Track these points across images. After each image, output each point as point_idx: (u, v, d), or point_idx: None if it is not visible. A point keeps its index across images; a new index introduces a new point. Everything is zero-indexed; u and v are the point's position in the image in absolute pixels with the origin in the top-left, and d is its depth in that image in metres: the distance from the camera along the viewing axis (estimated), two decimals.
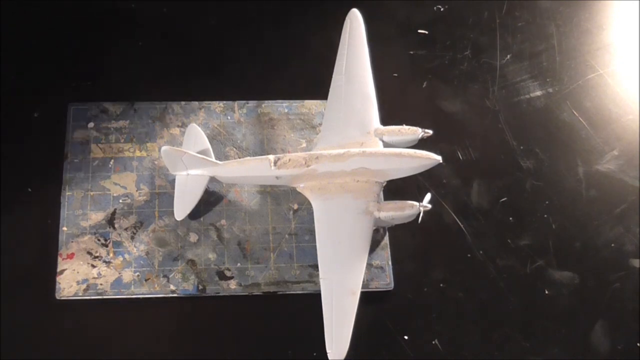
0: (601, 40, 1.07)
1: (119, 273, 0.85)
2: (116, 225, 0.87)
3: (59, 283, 0.83)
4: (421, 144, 0.86)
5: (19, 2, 1.01)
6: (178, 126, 0.94)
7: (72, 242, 0.86)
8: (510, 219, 0.92)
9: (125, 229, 0.87)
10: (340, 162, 0.84)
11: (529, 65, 1.04)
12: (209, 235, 0.88)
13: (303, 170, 0.84)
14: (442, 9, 1.07)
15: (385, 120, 0.88)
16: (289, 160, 0.85)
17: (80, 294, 0.83)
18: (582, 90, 1.02)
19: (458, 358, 0.84)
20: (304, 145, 0.94)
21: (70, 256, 0.85)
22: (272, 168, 0.84)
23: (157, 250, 0.86)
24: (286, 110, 0.96)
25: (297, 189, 0.86)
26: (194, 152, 0.86)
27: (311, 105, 0.97)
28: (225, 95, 0.97)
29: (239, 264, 0.86)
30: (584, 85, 1.03)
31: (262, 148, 0.94)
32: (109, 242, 0.86)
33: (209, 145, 0.88)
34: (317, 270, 0.81)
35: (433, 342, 0.84)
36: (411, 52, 1.04)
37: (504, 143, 0.97)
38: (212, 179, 0.87)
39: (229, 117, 0.95)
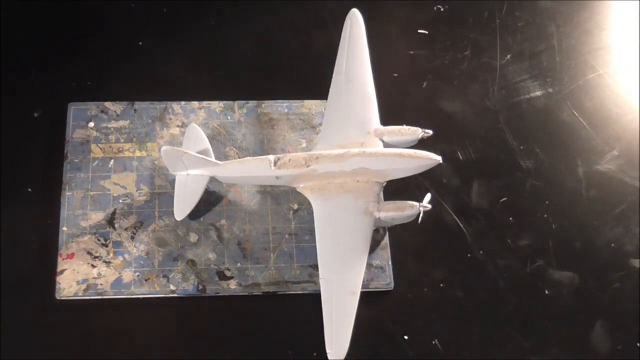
0: (601, 40, 1.07)
1: (119, 273, 0.85)
2: (116, 225, 0.87)
3: (59, 283, 0.83)
4: (421, 144, 0.86)
5: (19, 2, 1.01)
6: (178, 126, 0.94)
7: (72, 242, 0.86)
8: (510, 219, 0.92)
9: (125, 229, 0.87)
10: (340, 162, 0.84)
11: (529, 65, 1.04)
12: (209, 235, 0.88)
13: (303, 170, 0.84)
14: (442, 9, 1.07)
15: (385, 120, 0.88)
16: (289, 160, 0.85)
17: (80, 294, 0.83)
18: (582, 90, 1.02)
19: (458, 358, 0.84)
20: (304, 145, 0.94)
21: (70, 256, 0.85)
22: (272, 168, 0.84)
23: (157, 250, 0.86)
24: (286, 110, 0.96)
25: (297, 189, 0.86)
26: (194, 152, 0.86)
27: (311, 105, 0.97)
28: (225, 95, 0.97)
29: (239, 264, 0.86)
30: (584, 85, 1.03)
31: (262, 148, 0.94)
32: (109, 242, 0.86)
33: (209, 145, 0.88)
34: (317, 270, 0.81)
35: (433, 342, 0.84)
36: (411, 52, 1.04)
37: (504, 143, 0.97)
38: (212, 179, 0.87)
39: (229, 117, 0.95)
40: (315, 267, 0.84)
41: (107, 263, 0.85)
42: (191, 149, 0.87)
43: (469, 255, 0.90)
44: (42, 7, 1.02)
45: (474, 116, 0.99)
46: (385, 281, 0.87)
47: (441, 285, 0.88)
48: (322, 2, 1.06)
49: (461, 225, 0.91)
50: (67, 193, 0.88)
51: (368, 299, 0.82)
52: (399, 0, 1.08)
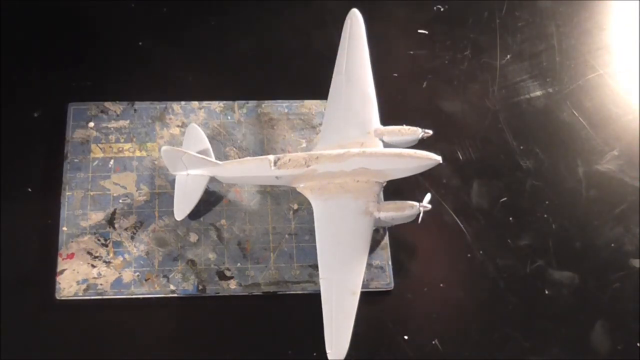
0: (601, 40, 1.07)
1: (119, 273, 0.85)
2: (116, 225, 0.87)
3: (59, 283, 0.83)
4: (421, 144, 0.86)
5: (19, 2, 1.01)
6: (178, 126, 0.94)
7: (72, 242, 0.86)
8: (510, 219, 0.92)
9: (125, 229, 0.87)
10: (340, 162, 0.84)
11: (529, 65, 1.04)
12: (209, 235, 0.88)
13: (303, 170, 0.84)
14: (442, 9, 1.07)
15: (385, 120, 0.89)
16: (289, 160, 0.85)
17: (80, 294, 0.83)
18: (582, 90, 1.02)
19: (458, 358, 0.84)
20: (304, 145, 0.94)
21: (70, 256, 0.85)
22: (272, 168, 0.84)
23: (157, 250, 0.86)
24: (286, 110, 0.96)
25: (297, 189, 0.86)
26: (194, 152, 0.86)
27: (311, 105, 0.97)
28: (225, 95, 0.97)
29: (239, 264, 0.86)
30: (584, 85, 1.03)
31: (262, 148, 0.94)
32: (109, 242, 0.86)
33: (209, 145, 0.88)
34: (317, 270, 0.81)
35: (433, 342, 0.84)
36: (411, 52, 1.04)
37: (504, 143, 0.97)
38: (212, 179, 0.87)
39: (229, 117, 0.95)
40: (315, 267, 0.84)
41: (107, 263, 0.85)
42: (191, 149, 0.87)
43: (469, 255, 0.90)
44: (42, 7, 1.02)
45: (474, 116, 0.99)
46: (385, 281, 0.87)
47: (441, 285, 0.88)
48: (322, 2, 1.06)
49: (461, 225, 0.91)
50: (67, 193, 0.88)
51: (368, 299, 0.82)
52: (399, 0, 1.08)
